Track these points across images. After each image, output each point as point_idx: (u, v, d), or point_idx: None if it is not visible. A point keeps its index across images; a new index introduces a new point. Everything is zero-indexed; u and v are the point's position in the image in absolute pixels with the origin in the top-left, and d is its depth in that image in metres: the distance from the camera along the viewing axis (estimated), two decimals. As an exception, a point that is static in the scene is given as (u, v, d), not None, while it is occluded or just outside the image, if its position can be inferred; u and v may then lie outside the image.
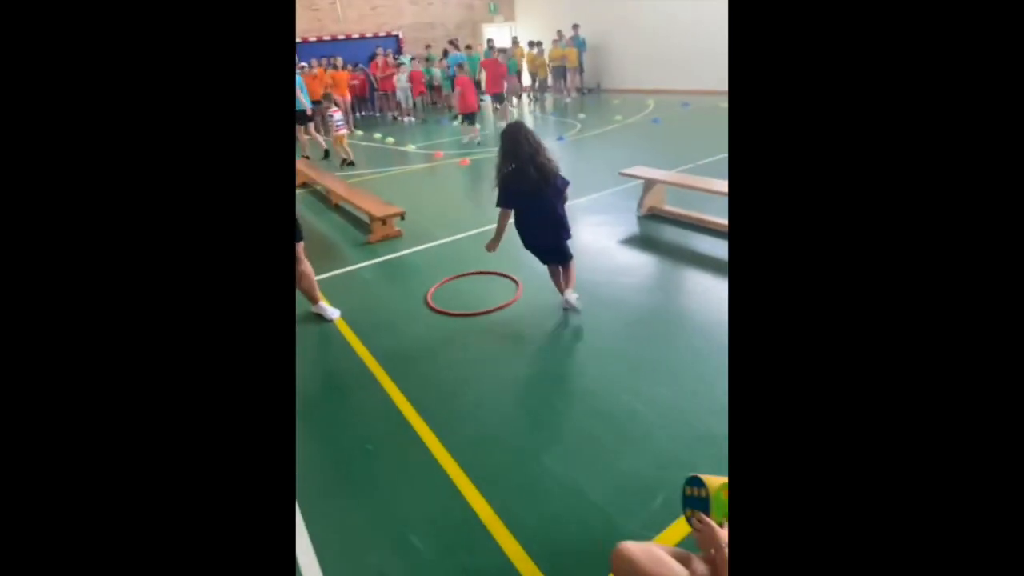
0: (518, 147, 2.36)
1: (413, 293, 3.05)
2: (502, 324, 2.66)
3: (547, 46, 11.79)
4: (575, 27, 11.49)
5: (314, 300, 2.76)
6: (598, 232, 3.80)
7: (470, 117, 7.51)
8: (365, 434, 1.92)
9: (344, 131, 6.58)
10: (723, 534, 1.11)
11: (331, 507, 1.62)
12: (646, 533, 1.42)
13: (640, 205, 4.03)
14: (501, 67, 8.60)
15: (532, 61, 12.03)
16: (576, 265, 2.69)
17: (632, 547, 1.24)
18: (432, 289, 3.04)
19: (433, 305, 2.87)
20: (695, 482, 1.23)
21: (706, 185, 3.77)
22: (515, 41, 12.52)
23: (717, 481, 1.22)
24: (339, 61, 10.10)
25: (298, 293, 2.70)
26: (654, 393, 2.01)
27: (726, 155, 5.45)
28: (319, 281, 3.32)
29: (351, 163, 6.53)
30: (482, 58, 11.08)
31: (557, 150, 6.90)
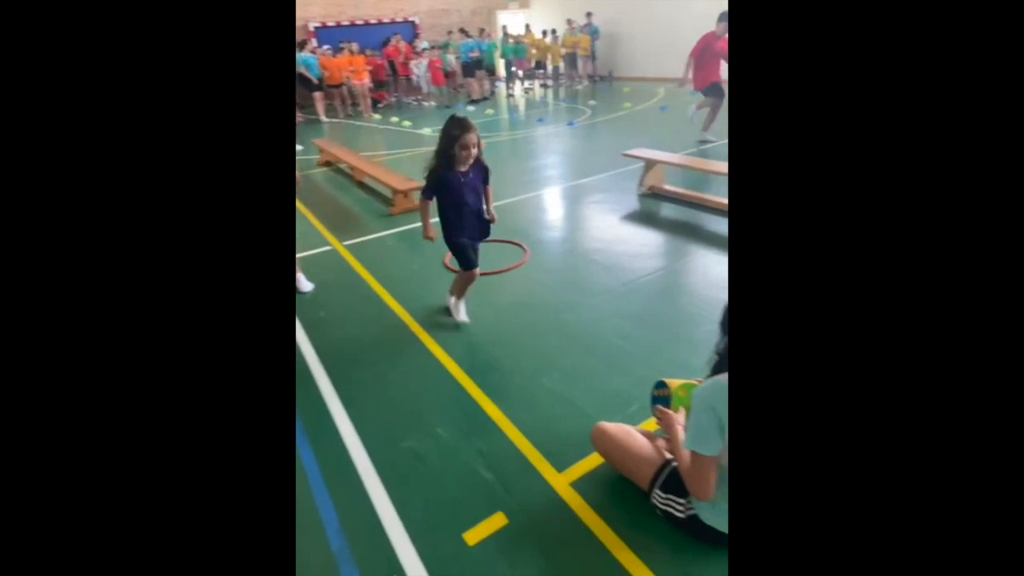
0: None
1: (433, 257, 3.42)
2: (511, 283, 3.02)
3: (561, 34, 11.97)
4: (588, 15, 11.65)
5: None
6: (600, 208, 4.15)
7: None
8: (400, 364, 2.31)
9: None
10: (678, 418, 1.46)
11: (374, 412, 2.00)
12: (623, 429, 1.79)
13: (640, 184, 4.35)
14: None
15: (546, 49, 12.22)
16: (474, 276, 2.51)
17: (607, 425, 1.61)
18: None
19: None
20: (660, 385, 1.59)
21: (703, 165, 4.09)
22: (528, 28, 12.69)
23: (677, 382, 1.58)
24: (355, 46, 10.22)
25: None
26: (640, 336, 2.37)
27: (725, 142, 5.74)
28: (347, 246, 3.71)
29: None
30: (497, 45, 11.31)
31: (567, 134, 7.20)
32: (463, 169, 2.25)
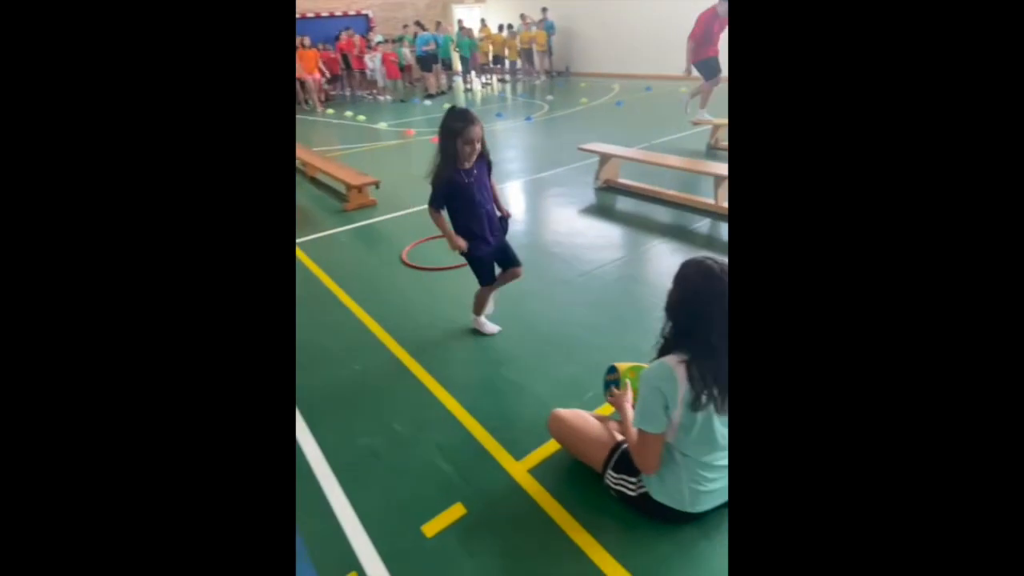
0: None
1: (389, 253, 3.37)
2: (471, 277, 3.01)
3: (517, 29, 11.98)
4: (544, 11, 11.72)
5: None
6: (558, 201, 4.19)
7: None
8: (354, 361, 2.26)
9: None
10: (628, 397, 1.51)
11: (329, 412, 1.96)
12: (579, 416, 1.83)
13: (596, 177, 4.42)
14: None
15: (502, 43, 12.21)
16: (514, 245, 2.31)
17: (562, 411, 1.64)
18: (407, 248, 3.37)
19: (408, 261, 3.20)
20: (611, 370, 1.64)
21: (657, 159, 4.19)
22: (483, 23, 12.64)
23: (626, 366, 1.63)
24: (307, 40, 9.86)
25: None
26: (596, 324, 2.42)
27: (683, 135, 5.91)
28: (300, 243, 3.61)
29: None
30: (454, 39, 11.22)
31: (525, 129, 7.23)
32: (467, 166, 1.99)
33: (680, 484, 1.32)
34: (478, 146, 1.96)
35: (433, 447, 1.74)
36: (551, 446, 1.69)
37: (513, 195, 4.48)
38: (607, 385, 1.67)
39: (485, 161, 2.07)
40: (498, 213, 2.14)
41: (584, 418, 1.58)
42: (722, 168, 3.63)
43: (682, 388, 1.20)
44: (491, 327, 2.39)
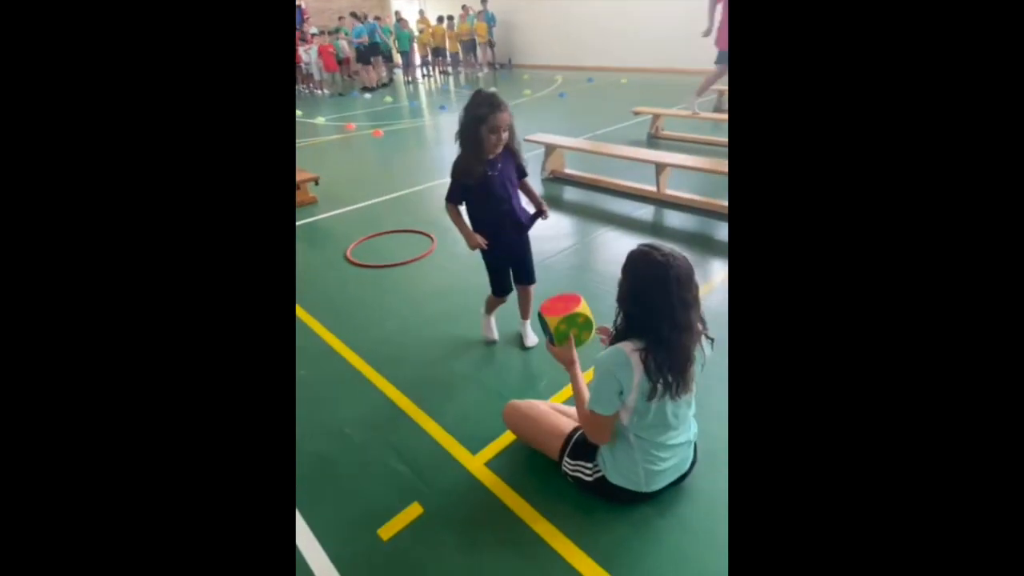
0: None
1: (333, 251, 3.24)
2: (421, 273, 2.95)
3: (456, 21, 11.83)
4: (483, 2, 11.61)
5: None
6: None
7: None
8: (302, 366, 2.16)
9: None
10: (568, 353, 1.43)
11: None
12: (534, 405, 1.82)
13: (543, 168, 4.44)
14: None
15: (442, 35, 12.02)
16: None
17: (517, 402, 1.64)
18: (351, 246, 3.25)
19: (353, 259, 3.09)
20: (541, 318, 1.49)
21: (602, 149, 4.25)
22: (422, 14, 12.40)
23: (556, 318, 1.53)
24: None
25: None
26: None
27: (624, 124, 6.03)
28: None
29: None
30: (392, 31, 10.93)
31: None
32: (491, 158, 1.78)
33: (635, 466, 1.34)
34: (505, 135, 1.76)
35: (387, 448, 1.69)
36: (507, 437, 1.68)
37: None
38: (545, 331, 1.60)
39: (512, 154, 1.85)
40: (531, 210, 1.95)
41: (538, 408, 1.58)
42: (663, 156, 3.75)
43: (637, 375, 1.22)
44: (493, 334, 2.20)
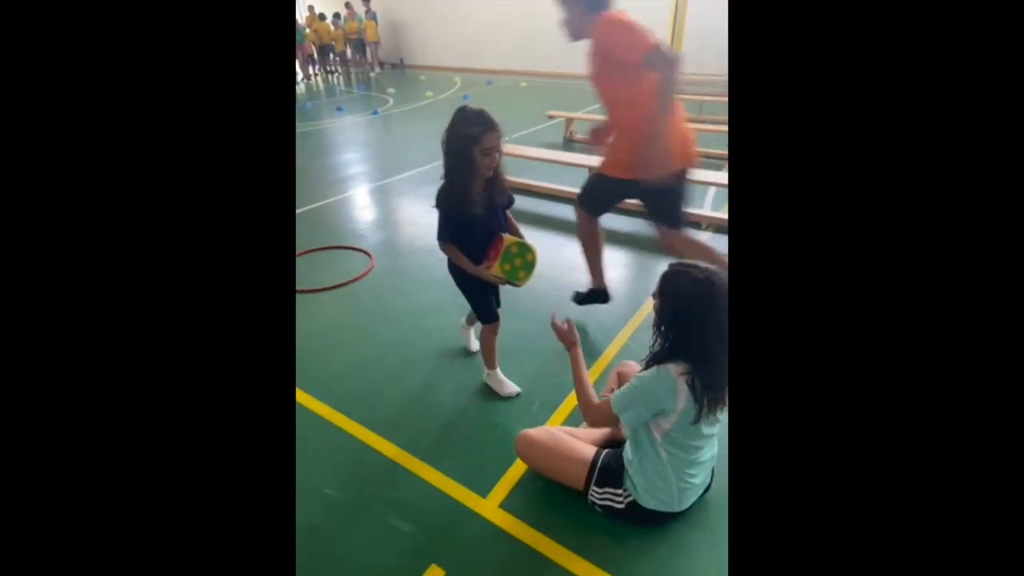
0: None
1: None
2: (364, 294, 2.68)
3: (343, 19, 11.20)
4: (367, 1, 11.13)
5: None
6: (431, 200, 3.98)
7: None
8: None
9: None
10: (571, 335, 1.50)
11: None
12: (532, 431, 1.72)
13: (469, 174, 4.32)
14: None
15: (328, 34, 11.31)
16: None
17: (532, 432, 1.52)
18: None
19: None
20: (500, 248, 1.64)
21: (521, 152, 4.23)
22: (311, 11, 11.60)
23: (512, 239, 1.66)
24: None
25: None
26: (514, 328, 2.32)
27: (535, 129, 6.08)
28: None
29: None
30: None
31: (374, 124, 6.78)
32: (481, 186, 1.58)
33: (669, 486, 1.30)
34: (497, 157, 1.56)
35: (383, 506, 1.48)
36: (515, 472, 1.56)
37: (379, 198, 4.15)
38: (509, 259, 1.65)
39: (497, 181, 1.64)
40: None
41: (555, 436, 1.48)
42: (581, 158, 3.87)
43: (682, 401, 1.18)
44: (511, 386, 1.89)
